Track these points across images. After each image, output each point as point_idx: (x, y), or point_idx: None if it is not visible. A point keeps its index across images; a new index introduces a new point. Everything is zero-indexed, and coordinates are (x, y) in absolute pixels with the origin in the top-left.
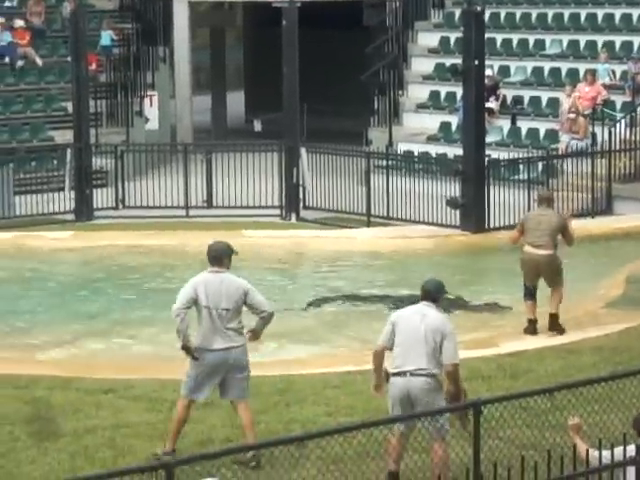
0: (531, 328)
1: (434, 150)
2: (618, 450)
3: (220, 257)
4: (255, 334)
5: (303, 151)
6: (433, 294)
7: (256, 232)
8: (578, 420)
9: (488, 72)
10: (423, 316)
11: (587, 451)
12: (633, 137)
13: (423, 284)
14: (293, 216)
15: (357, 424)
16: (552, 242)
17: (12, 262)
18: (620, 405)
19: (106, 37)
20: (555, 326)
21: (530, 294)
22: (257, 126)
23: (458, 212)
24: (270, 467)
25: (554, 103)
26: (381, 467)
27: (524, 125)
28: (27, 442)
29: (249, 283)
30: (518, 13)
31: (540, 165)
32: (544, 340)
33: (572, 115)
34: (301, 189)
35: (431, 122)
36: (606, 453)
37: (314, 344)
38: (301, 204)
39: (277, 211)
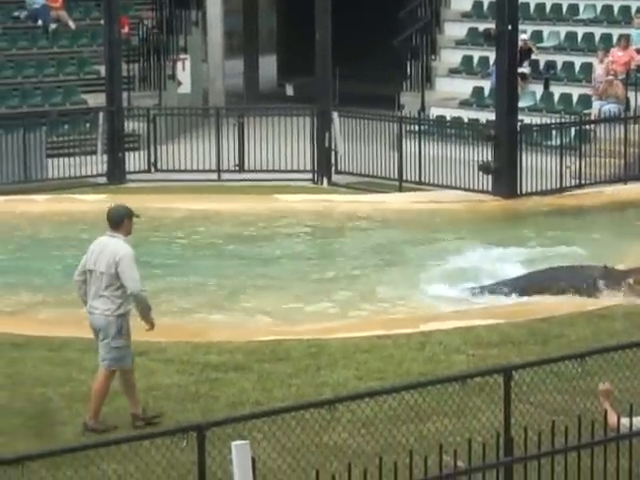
0: None
1: (466, 115)
2: None
3: (117, 221)
4: (143, 319)
5: (335, 115)
6: None
7: (288, 196)
8: (609, 386)
9: (522, 37)
10: None
11: (618, 417)
12: None
13: None
14: (325, 180)
15: (388, 388)
16: None
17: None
18: None
19: None
20: None
21: None
22: (289, 90)
23: (490, 177)
24: (301, 430)
25: (587, 68)
26: (411, 430)
27: (557, 90)
28: (60, 403)
29: (132, 254)
30: None
31: (573, 130)
32: (575, 305)
33: (610, 77)
34: (333, 153)
35: (463, 87)
36: (636, 420)
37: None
38: (333, 169)
39: (309, 175)
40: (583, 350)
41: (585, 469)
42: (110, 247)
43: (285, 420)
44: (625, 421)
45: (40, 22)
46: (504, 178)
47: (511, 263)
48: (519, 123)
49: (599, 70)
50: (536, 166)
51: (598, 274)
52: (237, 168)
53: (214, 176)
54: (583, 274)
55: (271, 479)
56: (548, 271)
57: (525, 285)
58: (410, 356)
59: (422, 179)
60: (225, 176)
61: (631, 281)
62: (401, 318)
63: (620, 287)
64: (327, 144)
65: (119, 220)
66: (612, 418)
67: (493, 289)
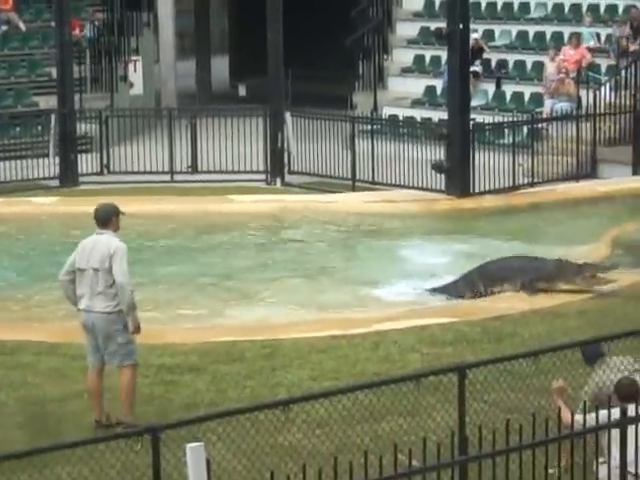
0: None
1: (419, 114)
2: (602, 413)
3: (105, 219)
4: (128, 317)
5: (288, 116)
6: None
7: (241, 197)
8: (562, 383)
9: (473, 36)
10: None
11: (572, 414)
12: (618, 100)
13: None
14: (278, 181)
15: (342, 388)
16: None
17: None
18: (606, 369)
19: None
20: None
21: None
22: (242, 91)
23: (443, 176)
24: (255, 431)
25: (539, 67)
26: (366, 430)
27: (509, 89)
28: (13, 407)
29: (125, 248)
30: None
31: (525, 129)
32: (529, 303)
33: (562, 75)
34: (286, 154)
35: (416, 86)
36: (589, 417)
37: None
38: (286, 169)
39: (262, 176)
40: (537, 348)
41: (539, 467)
42: (102, 242)
43: (240, 421)
44: (579, 418)
45: None
46: (457, 177)
47: (465, 260)
48: (471, 122)
49: (550, 68)
50: (489, 164)
51: (553, 266)
52: (190, 169)
53: (167, 177)
54: (537, 266)
55: None
56: (501, 261)
57: (479, 277)
58: (364, 356)
59: (375, 178)
60: (178, 177)
61: (587, 274)
62: (356, 318)
63: (575, 280)
64: (280, 144)
65: (107, 218)
66: (566, 415)
67: (447, 287)
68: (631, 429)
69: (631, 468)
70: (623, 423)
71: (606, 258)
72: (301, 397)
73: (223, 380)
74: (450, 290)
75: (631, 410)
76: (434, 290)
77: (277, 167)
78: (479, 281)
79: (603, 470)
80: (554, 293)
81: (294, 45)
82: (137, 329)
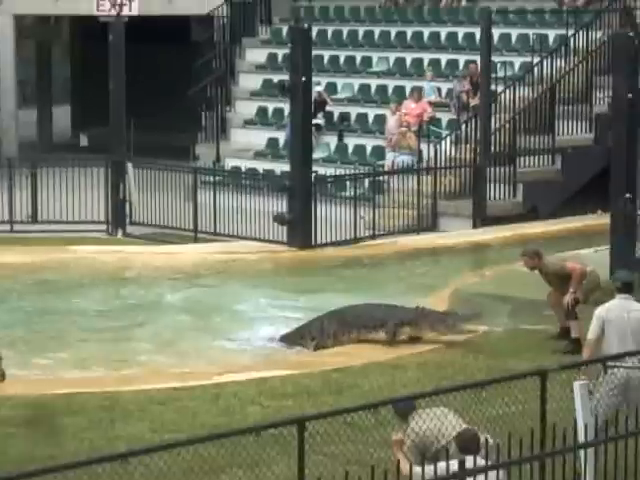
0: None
1: (261, 166)
2: (441, 465)
3: None
4: None
5: (130, 166)
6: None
7: (81, 247)
8: (401, 435)
9: (316, 88)
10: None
11: (410, 466)
12: (458, 154)
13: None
14: (119, 232)
15: (182, 440)
16: None
17: None
18: (445, 421)
19: None
20: None
21: None
22: (83, 140)
23: (285, 228)
24: None
25: (381, 120)
26: None
27: (351, 142)
28: None
29: None
30: (345, 30)
31: (367, 182)
32: (370, 355)
33: (404, 129)
34: (127, 204)
35: (258, 138)
36: (429, 469)
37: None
38: (127, 219)
39: (103, 226)
40: (376, 400)
41: None
42: None
43: (77, 474)
44: (418, 470)
45: None
46: (299, 229)
47: (304, 312)
48: (313, 174)
49: (392, 122)
50: (331, 217)
51: (414, 314)
52: (30, 219)
53: (7, 227)
54: (398, 313)
55: None
56: (359, 308)
57: (334, 323)
58: (204, 408)
59: (217, 230)
60: (18, 227)
61: (449, 322)
62: (196, 370)
63: (438, 328)
64: (121, 195)
65: None
66: (405, 467)
67: (295, 333)
68: None
69: None
70: (461, 475)
71: (451, 310)
72: (140, 450)
73: (61, 433)
74: (298, 337)
75: (470, 462)
76: (281, 338)
77: (119, 218)
78: (334, 327)
79: None
80: (416, 341)
81: (137, 95)
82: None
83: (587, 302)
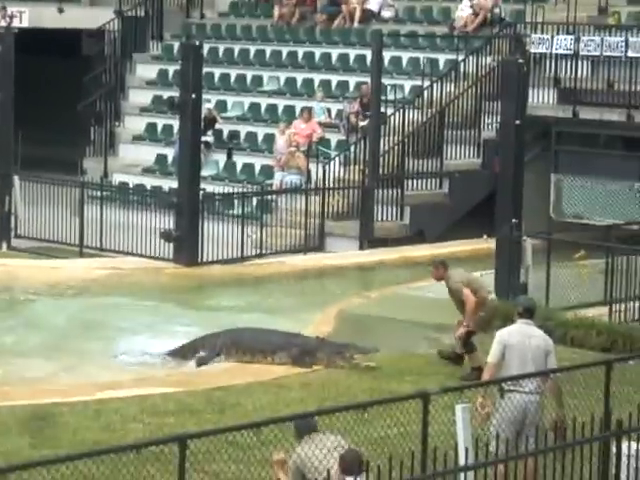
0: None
1: (149, 182)
2: None
3: None
4: None
5: (16, 179)
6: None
7: None
8: (283, 455)
9: (206, 106)
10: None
11: None
12: (346, 175)
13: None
14: (4, 245)
15: (61, 457)
16: None
17: None
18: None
19: None
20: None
21: None
22: None
23: (172, 245)
24: None
25: (270, 139)
26: None
27: (240, 160)
28: None
29: None
30: (236, 49)
31: (255, 200)
32: (253, 374)
33: (293, 149)
34: (13, 217)
35: (147, 154)
36: None
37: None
38: (13, 233)
39: None
40: (259, 419)
41: None
42: None
43: None
44: None
45: None
46: (185, 246)
47: (191, 328)
48: (201, 192)
49: (281, 141)
50: (218, 235)
51: (315, 343)
52: None
53: None
54: (299, 342)
55: None
56: (258, 333)
57: (229, 344)
58: (85, 424)
59: (103, 245)
60: None
61: (347, 354)
62: (78, 385)
63: (336, 359)
64: (7, 208)
65: None
66: None
67: (175, 352)
68: None
69: None
70: None
71: (331, 331)
72: (19, 465)
73: None
74: (183, 352)
75: None
76: (166, 354)
77: (4, 230)
78: (226, 347)
79: None
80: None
81: (25, 108)
82: None
83: (487, 331)
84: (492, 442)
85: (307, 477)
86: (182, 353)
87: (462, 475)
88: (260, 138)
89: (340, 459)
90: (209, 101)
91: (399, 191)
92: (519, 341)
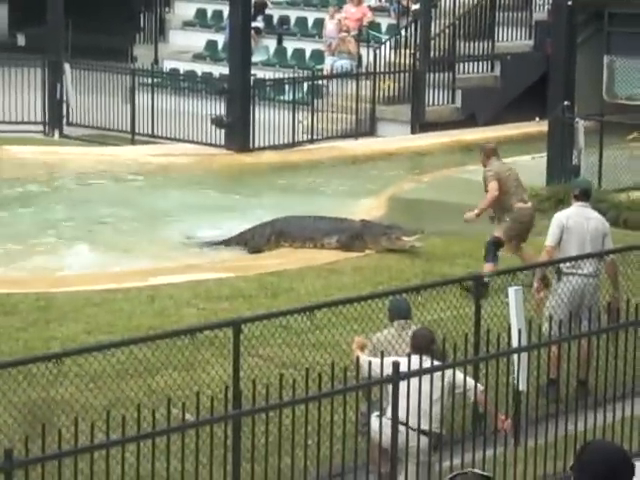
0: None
1: (200, 68)
2: (388, 361)
3: None
4: None
5: (67, 67)
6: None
7: (17, 147)
8: (363, 339)
9: None
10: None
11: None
12: (397, 59)
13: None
14: (56, 132)
15: (116, 342)
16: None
17: None
18: (379, 324)
19: None
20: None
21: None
22: (20, 40)
23: (223, 131)
24: (28, 385)
25: (320, 24)
26: (140, 384)
27: (290, 45)
28: None
29: None
30: None
31: (305, 85)
32: (306, 259)
33: (344, 34)
34: (64, 105)
35: (197, 40)
36: (378, 361)
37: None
38: (64, 120)
39: (40, 127)
40: (312, 304)
41: (313, 421)
42: None
43: (12, 374)
44: (365, 359)
45: None
46: (237, 132)
47: (244, 214)
48: (252, 78)
49: (330, 26)
50: (269, 120)
51: (360, 226)
52: None
53: None
54: (345, 226)
55: None
56: (305, 220)
57: (279, 233)
58: (140, 310)
59: (155, 132)
60: None
61: (393, 236)
62: (132, 271)
63: (381, 240)
64: (59, 96)
65: None
66: (363, 360)
67: (228, 240)
68: (413, 382)
69: (412, 420)
70: (395, 379)
71: (383, 215)
72: (75, 350)
73: None
74: (236, 240)
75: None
76: (218, 242)
77: (55, 119)
78: (276, 235)
79: (376, 423)
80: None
81: None
82: None
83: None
84: (545, 324)
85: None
86: (234, 241)
87: (515, 357)
88: (310, 23)
89: (412, 336)
90: None
91: (450, 74)
92: (577, 223)
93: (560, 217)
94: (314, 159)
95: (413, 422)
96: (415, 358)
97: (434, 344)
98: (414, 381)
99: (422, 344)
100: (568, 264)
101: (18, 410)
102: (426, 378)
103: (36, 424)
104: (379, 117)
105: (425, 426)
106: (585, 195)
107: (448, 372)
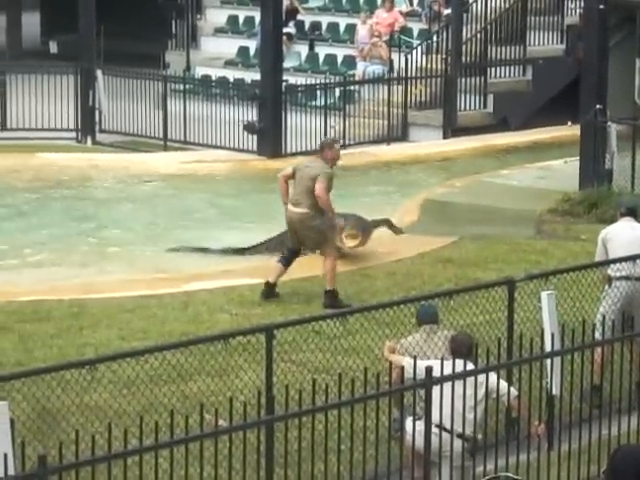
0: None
1: (232, 75)
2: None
3: None
4: None
5: (99, 73)
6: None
7: (51, 155)
8: (394, 343)
9: None
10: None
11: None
12: (429, 64)
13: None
14: (89, 139)
15: (150, 347)
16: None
17: None
18: (411, 329)
19: None
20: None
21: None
22: (53, 47)
23: (255, 137)
24: (61, 391)
25: (352, 29)
26: (173, 390)
27: (322, 51)
28: None
29: None
30: None
31: (337, 91)
32: (339, 265)
33: (376, 39)
34: (97, 112)
35: (229, 46)
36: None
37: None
38: (97, 127)
39: (72, 134)
40: (344, 309)
41: (346, 427)
42: None
43: (46, 381)
44: (408, 360)
45: None
46: (269, 138)
47: (277, 220)
48: (284, 83)
49: (363, 31)
50: (301, 126)
51: (382, 224)
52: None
53: None
54: (366, 223)
55: (30, 441)
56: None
57: None
58: (173, 316)
59: (187, 138)
60: None
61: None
62: (165, 277)
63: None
64: (91, 102)
65: None
66: (397, 359)
67: (261, 246)
68: (446, 387)
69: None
70: (427, 383)
71: (416, 220)
72: (108, 356)
73: (30, 339)
74: (268, 246)
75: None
76: (251, 246)
77: (88, 125)
78: None
79: (410, 426)
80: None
81: (107, 2)
82: None
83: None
84: (599, 329)
85: None
86: (265, 247)
87: (548, 361)
88: (342, 28)
89: (451, 340)
90: None
91: (482, 79)
92: (620, 232)
93: (601, 232)
94: (346, 164)
95: (449, 426)
96: (457, 362)
97: (472, 349)
98: (452, 386)
99: (462, 348)
100: (614, 267)
101: (52, 416)
102: (462, 383)
103: (70, 431)
104: (411, 122)
105: (461, 429)
106: (631, 213)
107: (483, 378)
